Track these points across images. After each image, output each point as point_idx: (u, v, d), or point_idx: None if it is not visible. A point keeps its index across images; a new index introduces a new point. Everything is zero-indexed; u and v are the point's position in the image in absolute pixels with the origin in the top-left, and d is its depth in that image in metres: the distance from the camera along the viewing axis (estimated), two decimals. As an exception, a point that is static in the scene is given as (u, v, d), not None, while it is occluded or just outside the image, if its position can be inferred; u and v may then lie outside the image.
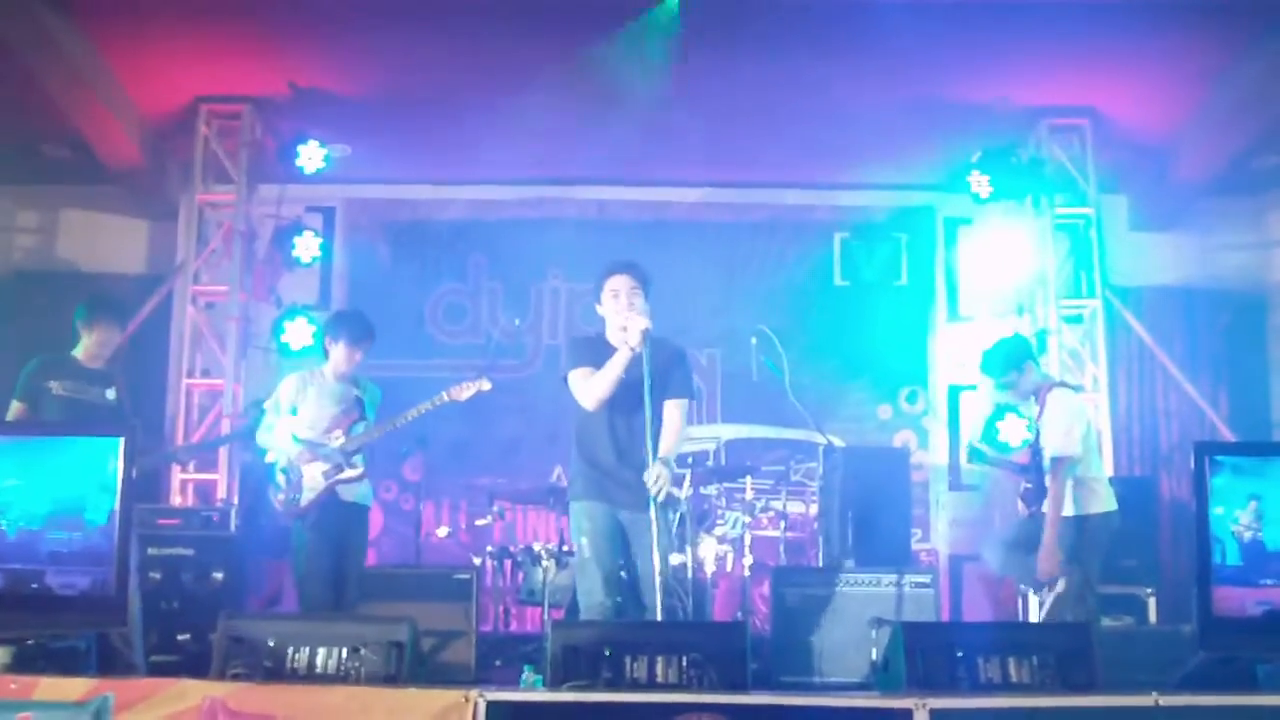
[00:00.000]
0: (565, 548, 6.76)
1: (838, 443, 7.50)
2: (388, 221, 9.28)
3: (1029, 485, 6.21)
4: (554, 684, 3.87)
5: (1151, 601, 7.10)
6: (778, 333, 6.95)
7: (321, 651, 4.00)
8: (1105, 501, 5.96)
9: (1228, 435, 8.15)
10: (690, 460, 6.50)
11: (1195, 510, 4.10)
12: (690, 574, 6.32)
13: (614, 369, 4.80)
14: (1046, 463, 5.96)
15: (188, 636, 6.66)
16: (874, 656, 5.88)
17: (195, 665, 5.40)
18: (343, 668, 3.97)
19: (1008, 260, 8.45)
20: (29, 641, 3.80)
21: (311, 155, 8.10)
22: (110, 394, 5.87)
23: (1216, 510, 4.06)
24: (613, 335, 4.94)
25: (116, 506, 3.85)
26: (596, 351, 4.92)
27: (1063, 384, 6.52)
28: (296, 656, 3.99)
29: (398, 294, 8.95)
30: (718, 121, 7.97)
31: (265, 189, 8.64)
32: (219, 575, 6.93)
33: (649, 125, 7.81)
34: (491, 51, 7.23)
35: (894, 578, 6.21)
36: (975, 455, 6.93)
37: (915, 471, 8.43)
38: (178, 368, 8.44)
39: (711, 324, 8.84)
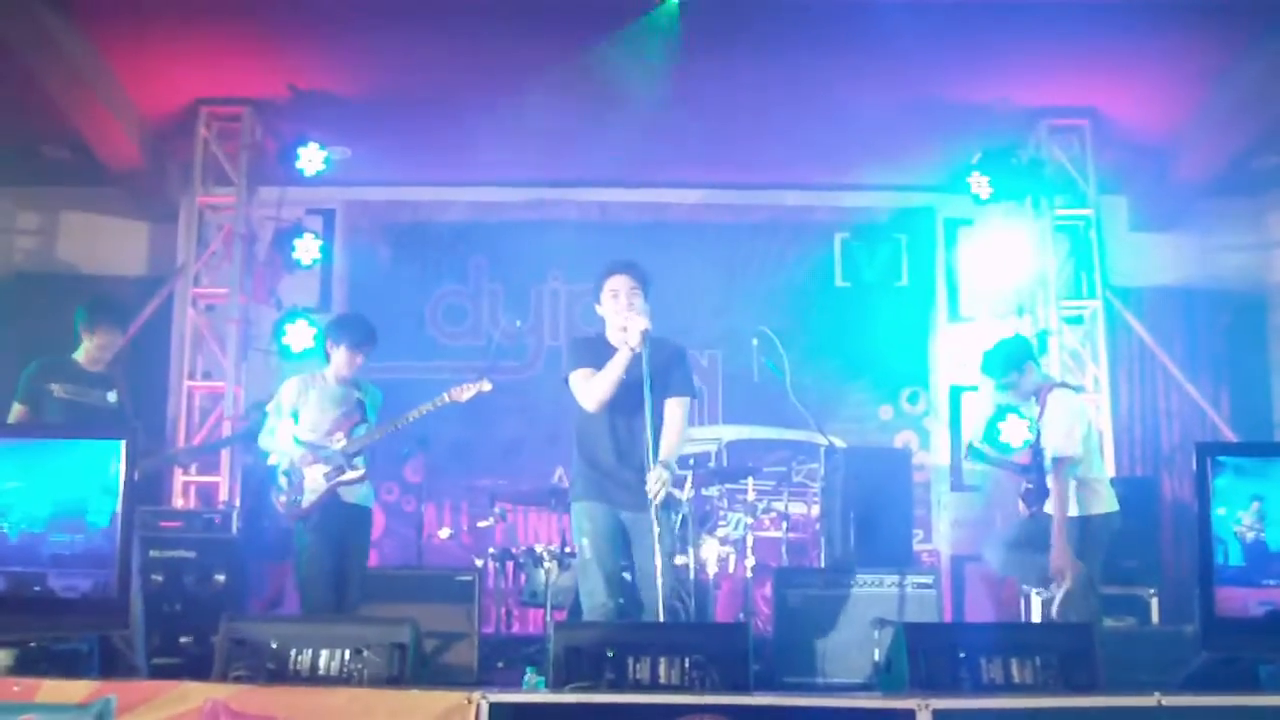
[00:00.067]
0: (567, 549, 6.76)
1: (839, 443, 7.50)
2: (388, 223, 9.28)
3: (1030, 485, 6.20)
4: (556, 685, 3.86)
5: (1154, 602, 7.09)
6: (779, 334, 6.95)
7: (324, 653, 4.00)
8: (1107, 502, 5.95)
9: (1229, 436, 8.15)
10: (692, 461, 6.49)
11: (1197, 511, 4.10)
12: (692, 575, 6.31)
13: (614, 369, 4.80)
14: (1048, 463, 5.96)
15: (190, 639, 6.66)
16: (876, 657, 5.88)
17: (197, 667, 5.42)
18: (345, 669, 3.97)
19: (1008, 261, 8.45)
20: (31, 644, 3.80)
21: (312, 157, 8.10)
22: (111, 397, 5.86)
23: (1219, 511, 4.06)
24: (613, 335, 4.94)
25: (118, 509, 3.86)
26: (597, 352, 4.92)
27: (1063, 384, 6.51)
28: (299, 658, 3.99)
29: (398, 296, 8.95)
30: (718, 122, 7.97)
31: (265, 191, 8.65)
32: (221, 577, 6.93)
33: (649, 126, 7.81)
34: (492, 53, 7.23)
35: (896, 578, 6.21)
36: (975, 454, 6.93)
37: (917, 472, 8.42)
38: (178, 370, 8.44)
39: (712, 325, 8.84)
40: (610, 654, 3.90)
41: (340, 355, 5.98)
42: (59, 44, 7.10)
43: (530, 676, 5.62)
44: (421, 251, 9.23)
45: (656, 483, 4.66)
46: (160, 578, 6.80)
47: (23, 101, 7.50)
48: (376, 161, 8.69)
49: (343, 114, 8.01)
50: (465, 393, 5.89)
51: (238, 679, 3.85)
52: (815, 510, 7.96)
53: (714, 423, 8.90)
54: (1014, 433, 7.42)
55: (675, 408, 4.92)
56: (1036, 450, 6.18)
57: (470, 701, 3.43)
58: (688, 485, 6.08)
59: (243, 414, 8.07)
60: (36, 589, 3.81)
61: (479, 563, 7.10)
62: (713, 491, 7.54)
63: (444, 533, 8.02)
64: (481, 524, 7.65)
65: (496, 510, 7.56)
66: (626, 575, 5.02)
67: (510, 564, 7.18)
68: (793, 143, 8.36)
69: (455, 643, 6.21)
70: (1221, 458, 4.14)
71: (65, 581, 3.83)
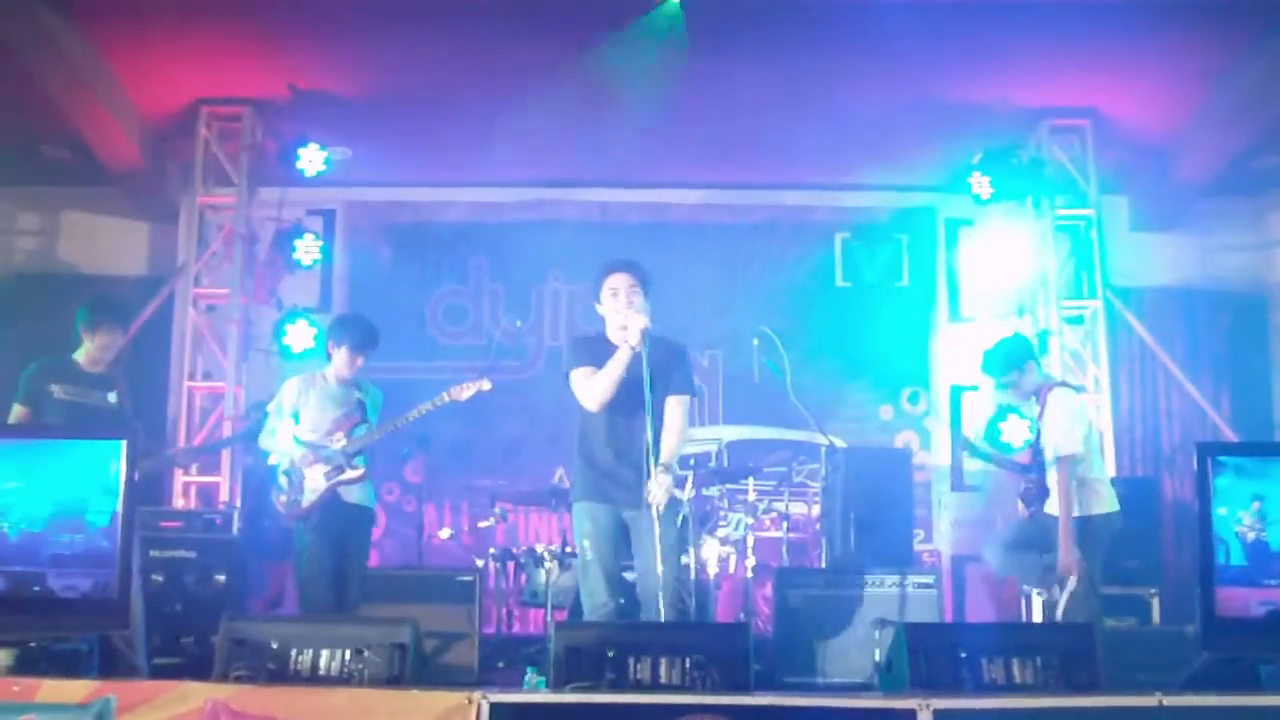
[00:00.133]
0: (568, 549, 6.76)
1: (839, 443, 7.50)
2: (388, 224, 9.28)
3: (1029, 485, 6.20)
4: (557, 685, 3.86)
5: (1155, 602, 7.09)
6: (779, 334, 6.95)
7: (324, 653, 4.00)
8: (1107, 502, 5.95)
9: (1230, 436, 8.15)
10: (692, 462, 6.50)
11: (1198, 511, 4.10)
12: (693, 575, 6.31)
13: (615, 368, 4.79)
14: (1048, 462, 5.95)
15: (190, 639, 6.66)
16: (877, 657, 5.88)
17: (197, 667, 5.42)
18: (345, 670, 3.97)
19: (1009, 261, 8.45)
20: (31, 644, 3.80)
21: (312, 158, 8.10)
22: (111, 397, 5.85)
23: (1219, 511, 4.06)
24: (613, 334, 4.94)
25: (119, 509, 3.86)
26: (598, 351, 4.91)
27: (1063, 384, 6.51)
28: (299, 658, 3.99)
29: (398, 296, 8.95)
30: (718, 123, 7.97)
31: (266, 191, 8.64)
32: (221, 577, 6.94)
33: (650, 127, 7.82)
34: (492, 53, 7.23)
35: (897, 578, 6.21)
36: (973, 450, 6.92)
37: (917, 472, 8.41)
38: (179, 370, 8.44)
39: (713, 325, 8.84)
40: (611, 654, 3.90)
41: (341, 356, 5.98)
42: (59, 44, 7.10)
43: (531, 676, 5.62)
44: (422, 252, 9.23)
45: (659, 489, 4.66)
46: (161, 578, 6.80)
47: (23, 101, 7.50)
48: (377, 162, 8.69)
49: (343, 114, 8.01)
50: (465, 392, 5.89)
51: (238, 679, 3.85)
52: (816, 510, 7.96)
53: (714, 423, 8.90)
54: (1015, 433, 7.43)
55: (676, 406, 4.91)
56: (1036, 450, 6.18)
57: (471, 701, 3.43)
58: (688, 485, 6.07)
59: (243, 414, 8.06)
60: (36, 589, 3.81)
61: (479, 563, 7.10)
62: (713, 492, 7.54)
63: (444, 533, 8.02)
64: (482, 524, 7.65)
65: (497, 510, 7.56)
66: (627, 575, 5.02)
67: (511, 564, 7.19)
68: (793, 143, 8.36)
69: (456, 643, 6.20)
70: (1222, 458, 4.13)
71: (65, 581, 3.83)
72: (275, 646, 4.00)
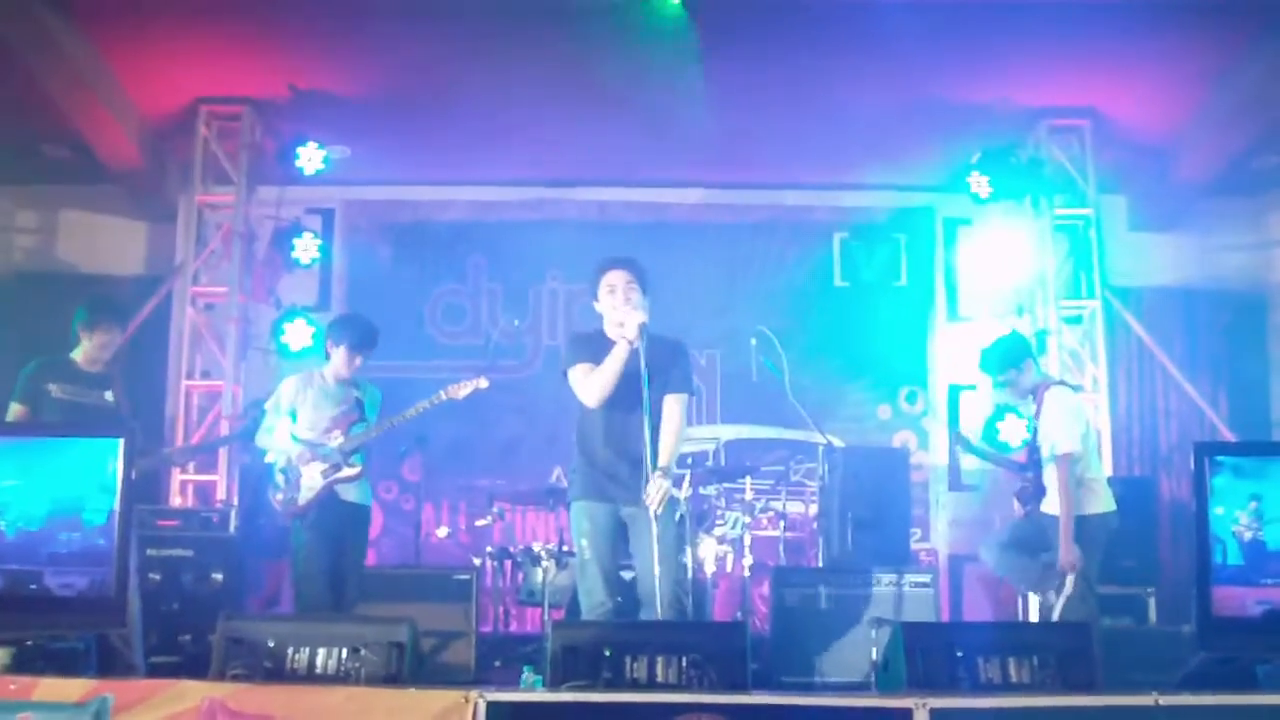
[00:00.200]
0: (565, 548, 6.76)
1: (837, 443, 7.49)
2: (387, 223, 9.28)
3: (1025, 483, 6.21)
4: (554, 684, 3.86)
5: (1151, 602, 7.11)
6: (777, 333, 6.95)
7: (321, 652, 3.99)
8: (1104, 502, 5.95)
9: (1228, 435, 8.14)
10: (690, 461, 6.50)
11: (1195, 510, 4.10)
12: (690, 574, 6.31)
13: (613, 363, 4.79)
14: (1046, 459, 5.96)
15: (187, 637, 6.66)
16: (874, 656, 5.89)
17: (195, 666, 5.41)
18: (342, 668, 3.97)
19: (1007, 261, 8.45)
20: (28, 642, 3.80)
21: (311, 157, 8.10)
22: (109, 396, 5.85)
23: (1217, 510, 4.06)
24: (611, 331, 4.93)
25: (116, 507, 3.85)
26: (596, 347, 4.91)
27: (1061, 383, 6.51)
28: (296, 657, 3.99)
29: (397, 295, 8.94)
30: (718, 122, 7.96)
31: (264, 190, 8.63)
32: (218, 576, 6.94)
33: (649, 126, 7.82)
34: (491, 53, 7.23)
35: (894, 578, 6.22)
36: (968, 447, 6.92)
37: (915, 472, 8.43)
38: (177, 369, 8.44)
39: (712, 325, 8.83)
40: (607, 653, 3.89)
41: (340, 355, 5.98)
42: (59, 43, 7.10)
43: (528, 675, 5.62)
44: (420, 251, 9.23)
45: (656, 492, 4.65)
46: (158, 576, 6.81)
47: (22, 100, 7.50)
48: (376, 161, 8.68)
49: (342, 113, 8.01)
50: (462, 390, 5.90)
51: (235, 677, 3.85)
52: (813, 509, 7.96)
53: (712, 422, 8.90)
54: (1012, 432, 7.42)
55: (673, 405, 4.90)
56: (1033, 448, 6.18)
57: (467, 700, 3.43)
58: (685, 484, 6.08)
59: (241, 413, 8.06)
60: (33, 587, 3.81)
61: (477, 562, 7.09)
62: (711, 491, 7.55)
63: (442, 531, 8.02)
64: (479, 523, 7.64)
65: (494, 509, 7.56)
66: (625, 574, 5.02)
67: (508, 563, 7.18)
68: (793, 143, 8.36)
69: (453, 641, 6.21)
70: (1220, 457, 4.13)
71: (62, 580, 3.82)
72: (272, 645, 4.00)
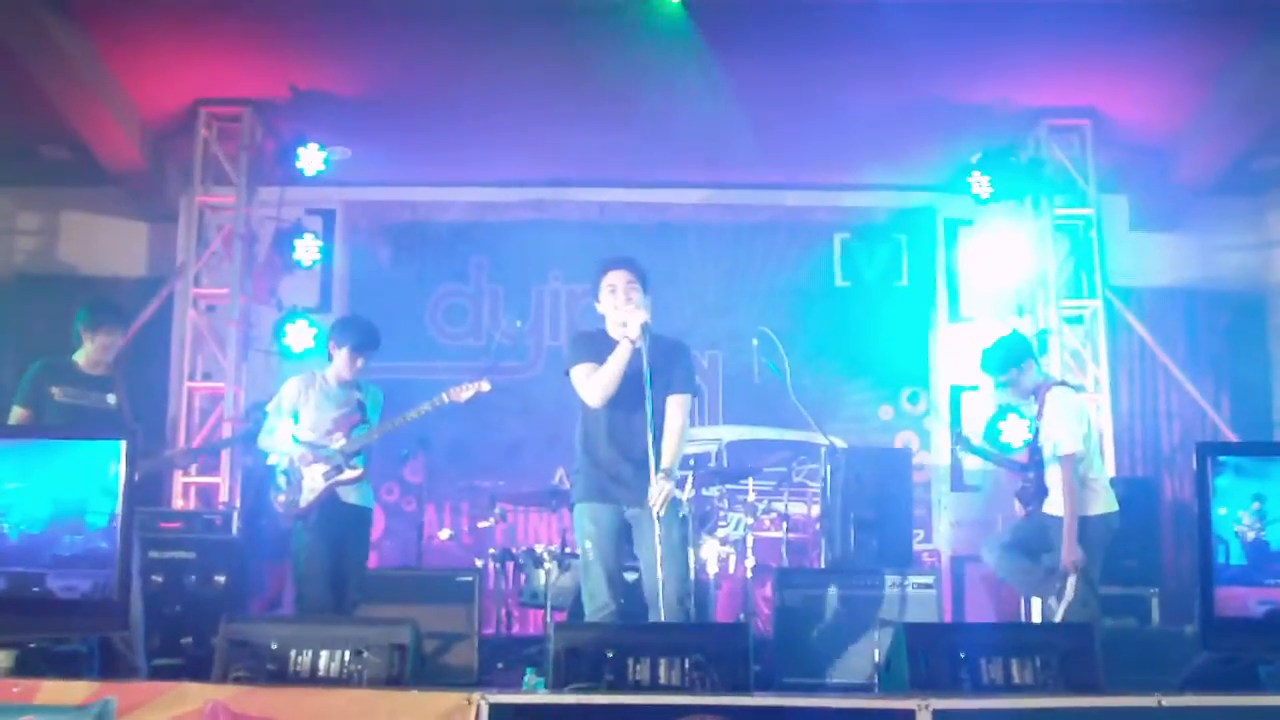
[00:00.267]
0: (567, 550, 6.76)
1: (839, 444, 7.50)
2: (388, 224, 9.28)
3: (1026, 484, 6.20)
4: (556, 686, 3.86)
5: (1154, 602, 7.10)
6: (779, 334, 6.94)
7: (324, 654, 3.99)
8: (1106, 503, 5.95)
9: (1230, 436, 8.15)
10: (692, 462, 6.49)
11: (1198, 510, 4.09)
12: (692, 576, 6.31)
13: (616, 362, 4.79)
14: (1048, 460, 5.95)
15: (190, 640, 6.66)
16: (876, 658, 5.88)
17: (197, 668, 5.41)
18: (345, 670, 3.96)
19: (1008, 261, 8.46)
20: (31, 645, 3.79)
21: (311, 158, 8.10)
22: (111, 399, 5.84)
23: (1219, 510, 4.05)
24: (613, 331, 4.93)
25: (118, 510, 3.84)
26: (598, 347, 4.91)
27: (1062, 383, 6.51)
28: (299, 659, 3.98)
29: (398, 296, 8.95)
30: (718, 123, 7.97)
31: (265, 191, 8.63)
32: (221, 578, 6.93)
33: (650, 126, 7.82)
34: (492, 53, 7.23)
35: (896, 579, 6.21)
36: (968, 447, 6.91)
37: (917, 472, 8.40)
38: (179, 371, 8.44)
39: (713, 325, 8.84)
40: (610, 655, 3.89)
41: (342, 357, 5.98)
42: (59, 44, 7.10)
43: (530, 677, 5.61)
44: (421, 252, 9.23)
45: (659, 495, 4.65)
46: (160, 579, 6.80)
47: (22, 102, 7.50)
48: (376, 161, 8.68)
49: (342, 114, 8.01)
50: (464, 393, 5.90)
51: (238, 680, 3.84)
52: (815, 510, 7.96)
53: (714, 423, 8.90)
54: (1014, 432, 7.42)
55: (676, 406, 4.89)
56: (1034, 449, 6.18)
57: (470, 702, 3.42)
58: (688, 485, 6.07)
59: (243, 415, 8.07)
60: (36, 590, 3.80)
61: (479, 563, 7.10)
62: (713, 492, 7.55)
63: (444, 533, 8.01)
64: (482, 524, 7.65)
65: (497, 511, 7.56)
66: (629, 576, 5.02)
67: (510, 565, 7.18)
68: (793, 143, 8.37)
69: (455, 643, 6.20)
70: (1222, 457, 4.12)
71: (65, 582, 3.82)
72: (275, 647, 3.99)
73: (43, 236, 9.26)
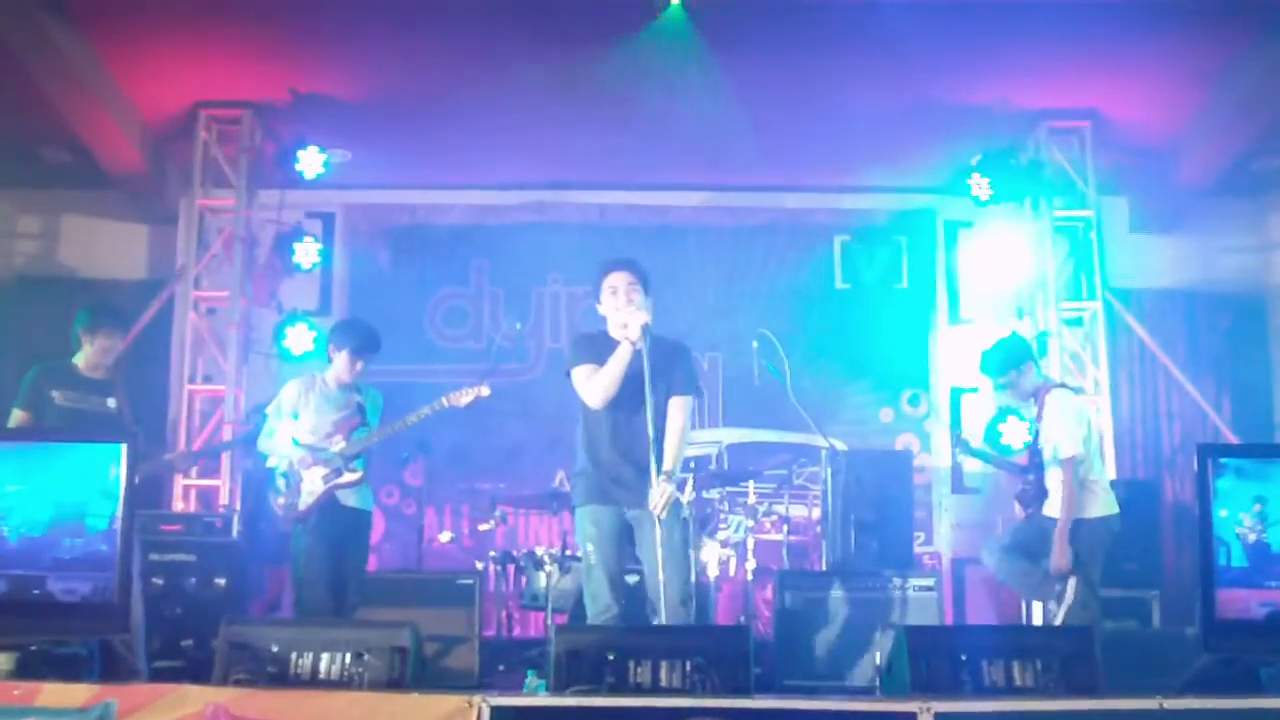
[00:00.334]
0: (568, 552, 6.76)
1: (840, 446, 7.49)
2: (388, 226, 9.27)
3: (1026, 486, 6.20)
4: (557, 689, 3.85)
5: (1155, 604, 7.09)
6: (779, 336, 6.94)
7: (324, 657, 3.98)
8: (1106, 505, 5.94)
9: (1231, 438, 8.15)
10: (692, 465, 6.49)
11: (1198, 512, 4.09)
12: (693, 578, 6.31)
13: (617, 363, 4.79)
14: (1048, 462, 5.95)
15: (190, 642, 6.65)
16: (877, 660, 5.88)
17: (198, 671, 5.41)
18: (346, 673, 3.96)
19: (1008, 263, 8.46)
20: (31, 648, 3.79)
21: (311, 160, 8.09)
22: (111, 403, 5.84)
23: (1220, 512, 4.05)
24: (614, 332, 4.93)
25: (119, 512, 3.85)
26: (599, 348, 4.91)
27: (1062, 385, 6.51)
28: (299, 662, 3.98)
29: (398, 299, 8.95)
30: (718, 125, 7.97)
31: (265, 194, 8.63)
32: (221, 581, 6.93)
33: (649, 128, 7.82)
34: (492, 55, 7.23)
35: (897, 581, 6.21)
36: (967, 449, 6.91)
37: (918, 474, 8.40)
38: (179, 373, 8.44)
39: (713, 327, 8.84)
40: (611, 657, 3.88)
41: (342, 360, 5.98)
42: (59, 47, 7.10)
43: (531, 680, 5.63)
44: (421, 254, 9.22)
45: (660, 498, 4.65)
46: (161, 581, 6.80)
47: (23, 104, 7.50)
48: (376, 164, 8.69)
49: (342, 117, 8.01)
50: (464, 398, 5.90)
51: (238, 682, 3.84)
52: (816, 513, 7.96)
53: (715, 426, 8.90)
54: (1014, 434, 7.42)
55: (678, 408, 4.89)
56: (1034, 451, 6.18)
57: (471, 705, 3.42)
58: (689, 488, 6.07)
59: (243, 418, 8.06)
60: (36, 592, 3.80)
61: (480, 566, 7.10)
62: (713, 494, 7.55)
63: (445, 536, 8.01)
64: (482, 527, 7.65)
65: (497, 513, 7.56)
66: (630, 579, 5.02)
67: (511, 567, 7.18)
68: (793, 144, 8.37)
69: (456, 646, 6.20)
70: (1223, 459, 4.12)
71: (65, 585, 3.82)
72: (275, 650, 3.99)
73: (43, 239, 9.26)
